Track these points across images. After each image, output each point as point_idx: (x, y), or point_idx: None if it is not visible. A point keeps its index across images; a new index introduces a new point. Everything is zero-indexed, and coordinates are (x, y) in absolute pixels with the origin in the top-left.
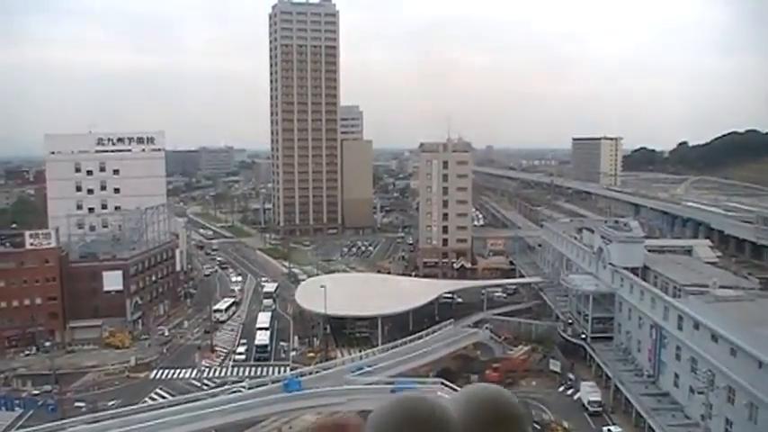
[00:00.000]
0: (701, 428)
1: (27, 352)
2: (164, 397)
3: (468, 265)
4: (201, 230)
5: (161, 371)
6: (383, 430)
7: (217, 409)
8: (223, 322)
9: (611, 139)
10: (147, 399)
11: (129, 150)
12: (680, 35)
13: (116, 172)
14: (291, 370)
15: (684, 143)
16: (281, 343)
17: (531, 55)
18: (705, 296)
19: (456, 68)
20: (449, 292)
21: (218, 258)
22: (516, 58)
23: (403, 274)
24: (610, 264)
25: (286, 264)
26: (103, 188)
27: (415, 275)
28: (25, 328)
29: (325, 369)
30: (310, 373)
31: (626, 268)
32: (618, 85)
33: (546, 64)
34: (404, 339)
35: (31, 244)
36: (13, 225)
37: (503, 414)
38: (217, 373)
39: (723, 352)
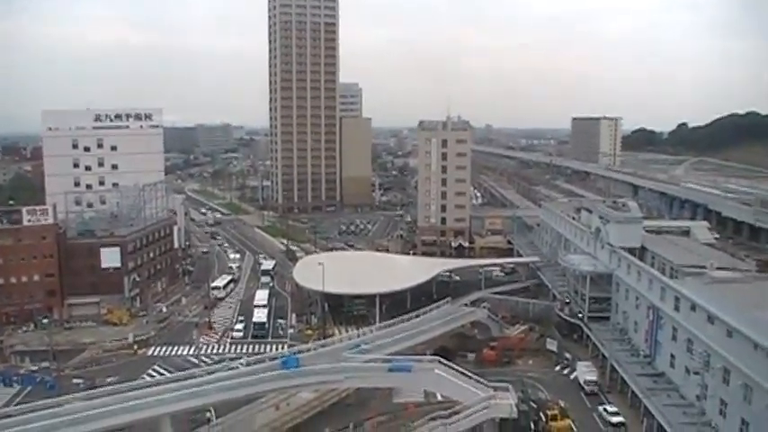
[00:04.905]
0: (696, 409)
1: (25, 328)
2: (162, 373)
3: (467, 244)
4: (200, 207)
5: (159, 347)
6: None
7: (214, 385)
8: (221, 299)
9: (611, 119)
10: (144, 375)
11: (127, 127)
12: (681, 16)
13: (114, 148)
14: (289, 347)
15: (684, 124)
16: (279, 320)
17: (532, 35)
18: (702, 277)
19: (456, 47)
20: (447, 271)
21: (217, 235)
22: (517, 37)
23: (401, 253)
24: (608, 244)
25: (284, 241)
26: (101, 165)
27: (414, 254)
28: (23, 305)
29: (322, 346)
30: (308, 351)
31: (624, 248)
32: (618, 65)
33: (546, 44)
34: (401, 317)
35: (29, 220)
36: (11, 202)
37: None
38: (215, 350)
39: (719, 333)
